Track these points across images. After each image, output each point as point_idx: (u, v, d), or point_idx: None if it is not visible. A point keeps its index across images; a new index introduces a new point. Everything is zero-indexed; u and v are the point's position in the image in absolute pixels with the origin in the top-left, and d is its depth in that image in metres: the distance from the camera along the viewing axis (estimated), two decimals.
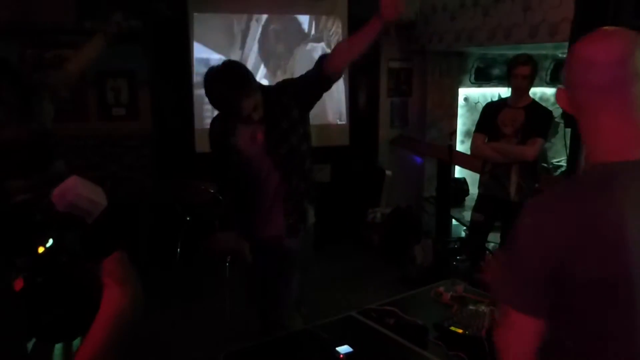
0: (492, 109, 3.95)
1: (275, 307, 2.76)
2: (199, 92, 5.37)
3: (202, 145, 5.54)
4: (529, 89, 3.78)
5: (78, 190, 2.64)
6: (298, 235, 2.71)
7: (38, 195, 2.68)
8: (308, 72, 2.64)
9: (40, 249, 2.49)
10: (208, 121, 5.36)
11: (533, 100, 3.83)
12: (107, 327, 2.30)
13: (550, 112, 3.80)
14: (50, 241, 2.47)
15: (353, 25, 5.75)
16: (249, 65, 5.50)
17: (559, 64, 6.45)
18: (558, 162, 6.81)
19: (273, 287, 2.76)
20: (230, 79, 2.43)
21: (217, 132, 2.72)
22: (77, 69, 3.08)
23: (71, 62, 3.09)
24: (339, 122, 5.92)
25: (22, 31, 4.74)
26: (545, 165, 6.66)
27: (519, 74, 3.71)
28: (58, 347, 2.75)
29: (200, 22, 5.35)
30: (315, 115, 5.70)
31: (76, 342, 2.84)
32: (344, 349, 1.97)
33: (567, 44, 3.14)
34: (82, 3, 4.80)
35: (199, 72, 5.35)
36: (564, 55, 3.34)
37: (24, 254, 2.57)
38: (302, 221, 2.72)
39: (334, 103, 5.84)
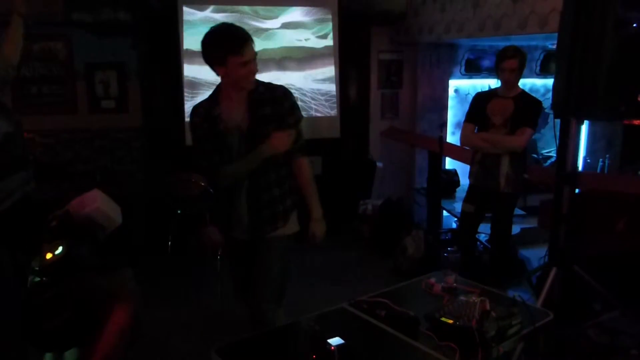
0: (481, 99, 3.96)
1: (252, 297, 2.75)
2: (189, 84, 5.36)
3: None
4: (517, 81, 3.80)
5: (97, 204, 2.64)
6: (275, 229, 2.71)
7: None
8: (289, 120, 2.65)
9: (49, 255, 2.48)
10: None
11: (522, 91, 3.85)
12: (113, 341, 2.39)
13: (540, 101, 3.82)
14: (60, 249, 2.47)
15: (343, 17, 5.74)
16: None
17: (549, 55, 6.46)
18: (548, 152, 6.84)
19: (251, 279, 2.76)
20: (232, 25, 2.53)
21: (201, 116, 2.64)
22: (10, 51, 2.97)
23: (6, 51, 2.99)
24: (330, 114, 5.92)
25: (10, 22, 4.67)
26: (535, 156, 6.70)
27: (506, 67, 3.72)
28: (48, 356, 2.73)
29: (190, 14, 5.31)
30: (306, 107, 5.77)
31: (68, 354, 2.82)
32: (335, 340, 1.98)
33: (556, 34, 3.15)
34: None
35: (188, 65, 5.32)
36: (554, 47, 3.35)
37: (32, 254, 2.56)
38: (280, 219, 2.73)
39: (325, 95, 5.84)
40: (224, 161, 2.62)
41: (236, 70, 2.47)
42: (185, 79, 5.35)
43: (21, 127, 2.81)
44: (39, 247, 2.58)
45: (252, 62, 2.50)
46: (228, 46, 2.45)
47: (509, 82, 3.76)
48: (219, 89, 2.67)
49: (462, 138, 4.04)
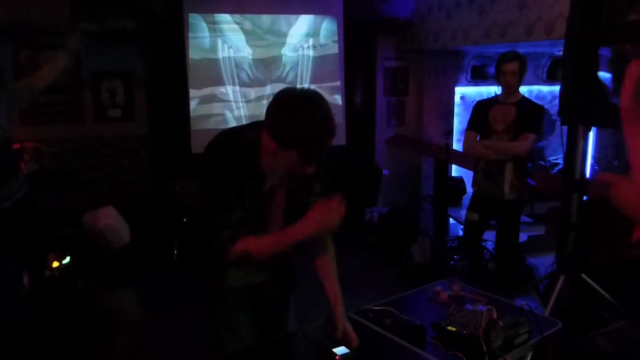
0: (482, 107, 3.95)
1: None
2: (194, 93, 5.37)
3: (198, 146, 5.55)
4: (518, 85, 3.78)
5: (110, 220, 2.69)
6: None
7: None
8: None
9: (55, 264, 2.50)
10: (203, 122, 5.39)
11: (523, 97, 3.83)
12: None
13: (542, 107, 3.81)
14: (68, 259, 2.49)
15: (348, 25, 5.75)
16: (245, 67, 5.49)
17: (555, 62, 6.44)
18: (555, 159, 6.81)
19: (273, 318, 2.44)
20: (328, 109, 1.94)
21: (241, 158, 1.98)
22: (40, 84, 3.16)
23: (35, 77, 3.20)
24: (336, 122, 5.90)
25: (16, 32, 4.72)
26: (542, 163, 6.66)
27: (507, 70, 3.71)
28: None
29: (195, 23, 5.33)
30: None
31: None
32: (340, 349, 1.96)
33: (563, 41, 3.14)
34: (75, 4, 4.78)
35: (193, 73, 5.34)
36: (560, 53, 3.34)
37: (38, 259, 2.58)
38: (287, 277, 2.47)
39: (330, 102, 5.83)
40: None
41: (300, 167, 1.96)
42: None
43: (9, 141, 2.90)
44: (45, 255, 2.60)
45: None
46: (314, 146, 1.94)
47: (510, 86, 3.74)
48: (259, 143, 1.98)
49: (465, 147, 4.03)
